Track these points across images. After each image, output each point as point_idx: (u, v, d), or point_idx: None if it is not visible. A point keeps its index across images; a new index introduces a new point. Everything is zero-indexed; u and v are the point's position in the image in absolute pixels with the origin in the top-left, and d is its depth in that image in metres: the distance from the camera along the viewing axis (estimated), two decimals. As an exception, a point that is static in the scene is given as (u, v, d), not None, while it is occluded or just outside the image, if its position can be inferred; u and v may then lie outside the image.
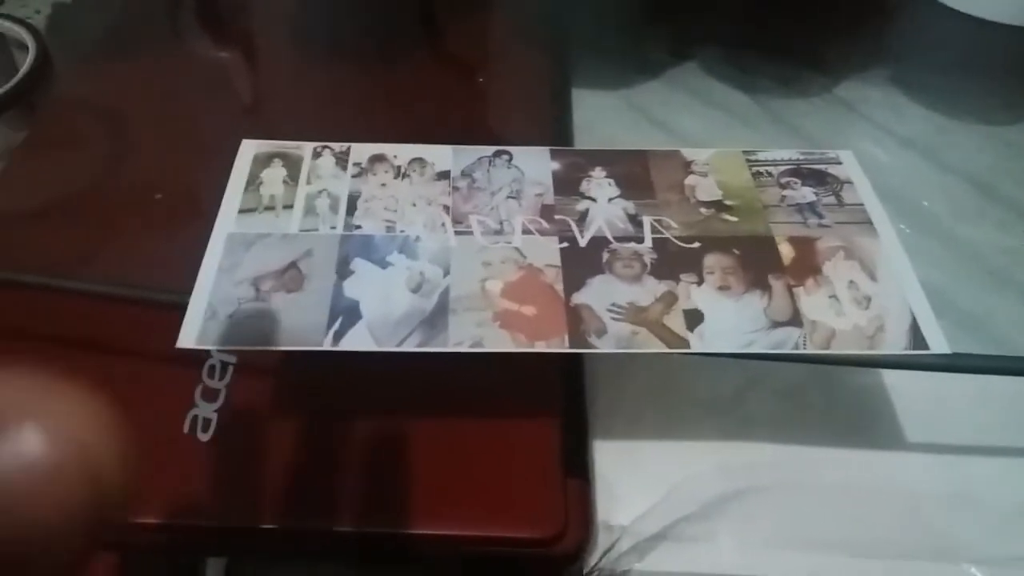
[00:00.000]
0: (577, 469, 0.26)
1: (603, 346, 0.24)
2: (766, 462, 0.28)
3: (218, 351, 0.27)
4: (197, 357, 0.27)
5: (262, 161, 0.29)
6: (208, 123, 0.37)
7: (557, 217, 0.27)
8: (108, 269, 0.30)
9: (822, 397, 0.30)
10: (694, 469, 0.27)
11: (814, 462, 0.28)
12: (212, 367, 0.27)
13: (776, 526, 0.26)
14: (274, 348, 0.23)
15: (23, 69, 0.39)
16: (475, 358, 0.23)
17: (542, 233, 0.27)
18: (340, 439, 0.26)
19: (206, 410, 0.26)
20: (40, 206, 0.33)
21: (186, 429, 0.26)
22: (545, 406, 0.27)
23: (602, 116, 0.41)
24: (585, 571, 0.25)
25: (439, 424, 0.26)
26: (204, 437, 0.26)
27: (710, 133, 0.40)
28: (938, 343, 0.24)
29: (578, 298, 0.25)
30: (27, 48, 0.39)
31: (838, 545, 0.26)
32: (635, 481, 0.27)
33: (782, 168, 0.30)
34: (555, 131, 0.37)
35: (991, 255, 0.35)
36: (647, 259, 0.26)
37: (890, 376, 0.30)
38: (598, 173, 0.29)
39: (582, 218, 0.27)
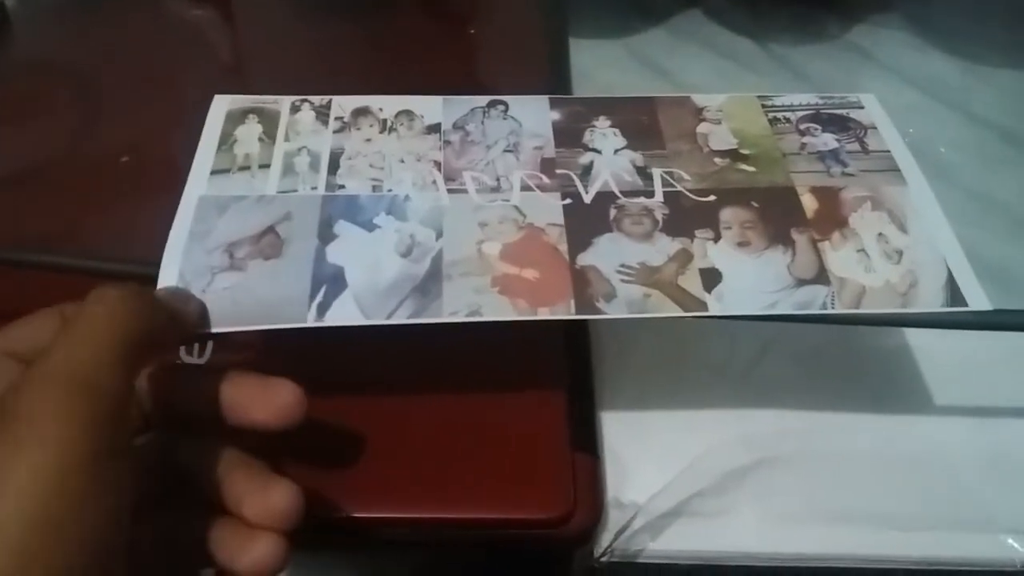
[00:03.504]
0: (584, 444, 0.24)
1: (612, 311, 0.22)
2: (786, 430, 0.26)
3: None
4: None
5: (236, 118, 0.27)
6: (179, 79, 0.35)
7: (559, 171, 0.25)
8: (73, 239, 0.28)
9: (844, 360, 0.28)
10: (709, 440, 0.26)
11: (837, 430, 0.26)
12: (190, 342, 0.25)
13: (799, 498, 0.25)
14: (252, 328, 0.21)
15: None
16: (473, 328, 0.21)
17: (543, 189, 0.25)
18: (331, 419, 0.24)
19: (184, 389, 0.24)
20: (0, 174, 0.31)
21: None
22: (549, 377, 0.25)
23: (602, 65, 0.39)
24: (597, 553, 0.24)
25: (437, 401, 0.24)
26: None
27: (717, 82, 0.38)
28: (978, 299, 0.22)
29: (584, 259, 0.23)
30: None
31: (865, 517, 0.24)
32: (647, 455, 0.25)
33: (800, 114, 0.27)
34: (553, 80, 0.35)
35: (1017, 205, 0.33)
36: (658, 215, 0.24)
37: (915, 336, 0.28)
38: (602, 123, 0.27)
39: (586, 172, 0.25)
